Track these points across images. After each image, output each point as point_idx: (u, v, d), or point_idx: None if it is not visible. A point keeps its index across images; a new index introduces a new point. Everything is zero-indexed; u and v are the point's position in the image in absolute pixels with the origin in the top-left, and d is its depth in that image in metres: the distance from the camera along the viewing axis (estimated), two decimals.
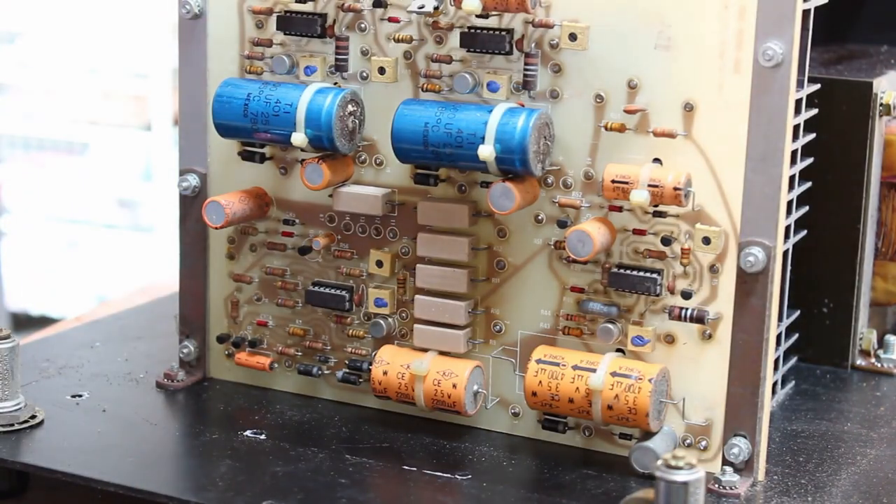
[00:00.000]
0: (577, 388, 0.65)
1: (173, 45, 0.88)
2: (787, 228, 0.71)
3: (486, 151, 0.63)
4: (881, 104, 0.77)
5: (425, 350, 0.69)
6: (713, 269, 0.64)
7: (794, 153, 0.69)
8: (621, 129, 0.64)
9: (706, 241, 0.64)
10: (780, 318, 0.70)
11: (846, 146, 0.78)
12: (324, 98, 0.67)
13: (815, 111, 0.73)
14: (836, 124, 0.77)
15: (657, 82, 0.64)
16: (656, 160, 0.64)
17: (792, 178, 0.70)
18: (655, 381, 0.64)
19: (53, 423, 0.69)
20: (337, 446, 0.68)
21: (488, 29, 0.66)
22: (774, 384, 0.74)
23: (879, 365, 0.80)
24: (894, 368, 0.80)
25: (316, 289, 0.72)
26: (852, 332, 0.80)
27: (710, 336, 0.65)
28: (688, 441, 0.66)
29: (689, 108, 0.63)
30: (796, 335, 0.78)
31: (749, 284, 0.63)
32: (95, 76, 2.85)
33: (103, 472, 0.64)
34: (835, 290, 0.79)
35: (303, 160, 0.70)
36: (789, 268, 0.73)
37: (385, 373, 0.69)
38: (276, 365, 0.74)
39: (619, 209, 0.65)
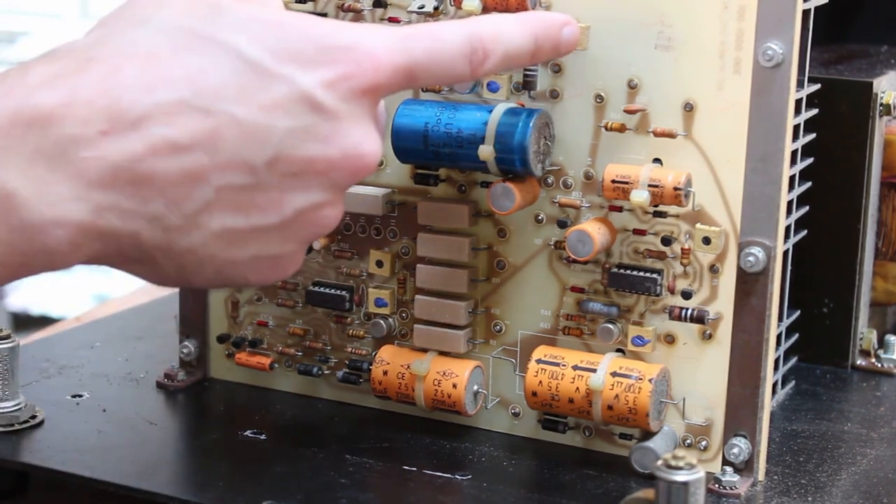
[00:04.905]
0: (578, 389, 0.65)
1: None
2: (787, 228, 0.71)
3: (486, 151, 0.63)
4: (881, 104, 0.77)
5: (425, 350, 0.69)
6: (713, 269, 0.64)
7: (794, 153, 0.69)
8: (621, 129, 0.64)
9: (706, 241, 0.64)
10: (780, 318, 0.70)
11: (846, 146, 0.78)
12: None
13: (815, 111, 0.73)
14: (836, 124, 0.77)
15: (657, 82, 0.64)
16: (656, 160, 0.64)
17: (792, 178, 0.70)
18: (655, 381, 0.64)
19: (53, 423, 0.69)
20: (337, 446, 0.68)
21: None
22: (774, 384, 0.74)
23: (879, 365, 0.80)
24: (894, 368, 0.80)
25: (316, 289, 0.72)
26: (852, 332, 0.80)
27: (710, 336, 0.65)
28: (688, 441, 0.66)
29: (689, 108, 0.63)
30: (796, 335, 0.78)
31: (749, 284, 0.63)
32: None
33: (103, 472, 0.64)
34: (835, 290, 0.79)
35: None
36: (789, 268, 0.73)
37: (385, 373, 0.69)
38: (276, 365, 0.74)
39: (620, 209, 0.65)
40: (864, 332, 0.80)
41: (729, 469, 0.64)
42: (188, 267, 0.52)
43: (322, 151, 0.52)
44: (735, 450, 0.64)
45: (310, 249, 0.72)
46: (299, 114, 0.51)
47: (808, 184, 0.75)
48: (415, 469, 0.66)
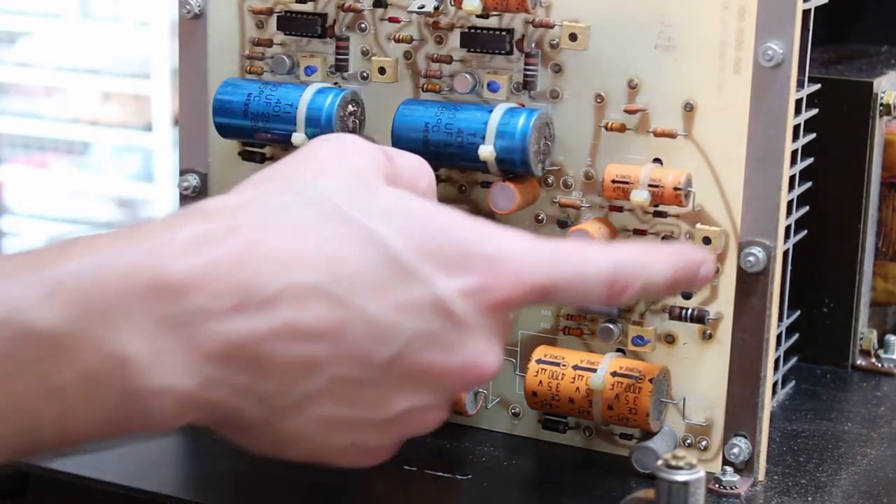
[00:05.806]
0: (578, 388, 0.65)
1: (173, 45, 0.88)
2: (788, 228, 0.71)
3: (487, 151, 0.63)
4: (881, 104, 0.77)
5: None
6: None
7: (794, 153, 0.69)
8: (621, 129, 0.65)
9: (706, 241, 0.64)
10: (780, 318, 0.70)
11: (846, 146, 0.78)
12: (324, 98, 0.67)
13: (815, 111, 0.73)
14: (836, 124, 0.77)
15: (657, 82, 0.64)
16: (656, 160, 0.64)
17: (792, 178, 0.70)
18: (656, 381, 0.64)
19: None
20: None
21: (488, 29, 0.66)
22: (774, 384, 0.74)
23: (879, 365, 0.80)
24: (894, 368, 0.80)
25: None
26: (852, 332, 0.80)
27: (710, 336, 0.65)
28: (688, 441, 0.66)
29: (689, 108, 0.63)
30: (796, 335, 0.78)
31: (749, 284, 0.63)
32: (95, 76, 2.85)
33: (103, 472, 0.64)
34: (835, 290, 0.79)
35: None
36: (789, 268, 0.73)
37: None
38: None
39: (620, 209, 0.65)
40: (864, 332, 0.80)
41: (729, 469, 0.64)
42: (283, 443, 0.52)
43: (443, 359, 0.51)
44: (735, 450, 0.64)
45: None
46: (429, 318, 0.50)
47: (808, 184, 0.75)
48: (415, 469, 0.66)
